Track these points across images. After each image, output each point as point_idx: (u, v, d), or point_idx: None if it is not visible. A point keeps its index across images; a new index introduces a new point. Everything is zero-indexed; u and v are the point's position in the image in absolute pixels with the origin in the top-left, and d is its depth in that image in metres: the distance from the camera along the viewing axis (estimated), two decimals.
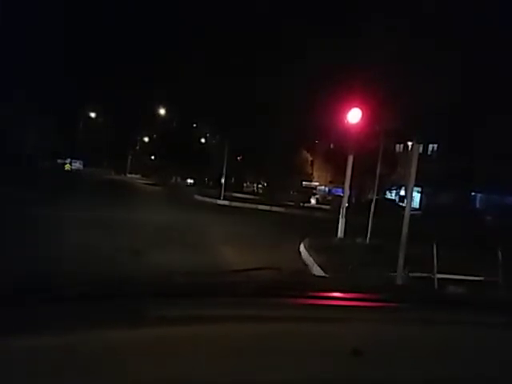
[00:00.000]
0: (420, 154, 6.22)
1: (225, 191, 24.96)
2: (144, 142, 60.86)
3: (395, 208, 19.23)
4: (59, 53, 37.79)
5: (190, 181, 46.52)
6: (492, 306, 1.31)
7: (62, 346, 0.78)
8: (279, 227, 13.61)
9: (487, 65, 19.26)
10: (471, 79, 18.71)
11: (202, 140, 44.21)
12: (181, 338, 0.86)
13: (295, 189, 32.70)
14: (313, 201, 34.70)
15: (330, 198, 34.10)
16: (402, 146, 26.35)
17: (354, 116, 11.45)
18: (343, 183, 12.80)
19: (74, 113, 51.51)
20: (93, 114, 59.34)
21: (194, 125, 44.18)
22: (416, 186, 6.42)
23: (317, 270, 6.94)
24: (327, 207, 25.52)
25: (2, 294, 0.95)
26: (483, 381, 1.00)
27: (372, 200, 11.53)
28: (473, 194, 28.61)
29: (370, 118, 11.71)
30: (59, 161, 50.79)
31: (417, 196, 28.83)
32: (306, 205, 27.90)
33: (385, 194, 28.94)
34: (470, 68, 18.32)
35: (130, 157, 65.49)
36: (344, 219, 11.37)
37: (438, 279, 5.37)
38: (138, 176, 58.16)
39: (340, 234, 11.31)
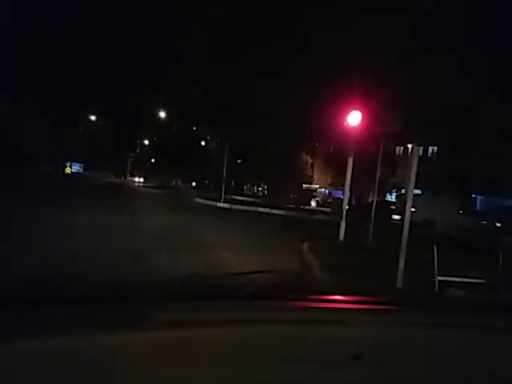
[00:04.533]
0: (420, 157, 6.21)
1: (225, 194, 24.93)
2: (144, 144, 60.91)
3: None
4: (60, 55, 37.91)
5: (193, 184, 47.25)
6: (493, 309, 1.30)
7: (62, 349, 0.78)
8: (280, 230, 13.58)
9: (488, 65, 19.31)
10: (471, 80, 18.73)
11: (202, 143, 44.24)
12: (181, 341, 0.86)
13: (295, 191, 32.64)
14: (313, 203, 34.63)
15: (330, 200, 34.04)
16: (402, 148, 26.36)
17: (353, 118, 11.45)
18: (343, 185, 12.77)
19: (75, 116, 51.59)
20: (93, 117, 59.40)
21: (194, 127, 44.22)
22: (416, 188, 6.40)
23: (318, 273, 6.92)
24: (327, 210, 25.47)
25: (3, 296, 0.95)
26: (484, 383, 1.00)
27: (372, 202, 11.51)
28: (473, 196, 28.58)
29: (369, 120, 11.71)
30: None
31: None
32: (306, 207, 27.84)
33: (385, 196, 28.92)
34: (471, 69, 18.34)
35: (130, 160, 65.52)
36: (345, 222, 11.35)
37: (439, 281, 5.35)
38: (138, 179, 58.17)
39: (341, 236, 11.29)
